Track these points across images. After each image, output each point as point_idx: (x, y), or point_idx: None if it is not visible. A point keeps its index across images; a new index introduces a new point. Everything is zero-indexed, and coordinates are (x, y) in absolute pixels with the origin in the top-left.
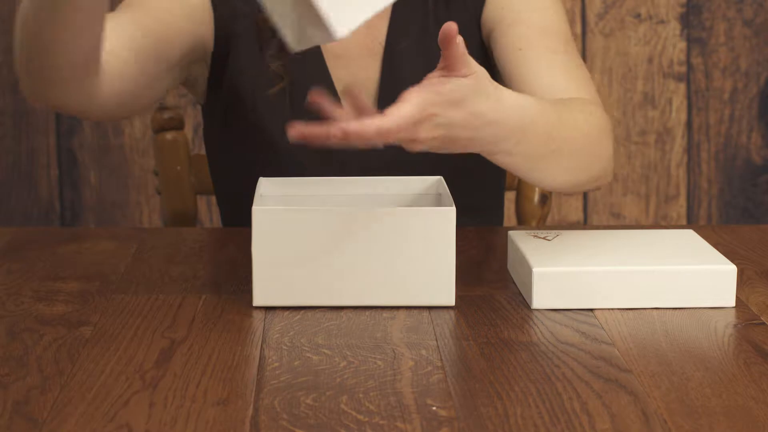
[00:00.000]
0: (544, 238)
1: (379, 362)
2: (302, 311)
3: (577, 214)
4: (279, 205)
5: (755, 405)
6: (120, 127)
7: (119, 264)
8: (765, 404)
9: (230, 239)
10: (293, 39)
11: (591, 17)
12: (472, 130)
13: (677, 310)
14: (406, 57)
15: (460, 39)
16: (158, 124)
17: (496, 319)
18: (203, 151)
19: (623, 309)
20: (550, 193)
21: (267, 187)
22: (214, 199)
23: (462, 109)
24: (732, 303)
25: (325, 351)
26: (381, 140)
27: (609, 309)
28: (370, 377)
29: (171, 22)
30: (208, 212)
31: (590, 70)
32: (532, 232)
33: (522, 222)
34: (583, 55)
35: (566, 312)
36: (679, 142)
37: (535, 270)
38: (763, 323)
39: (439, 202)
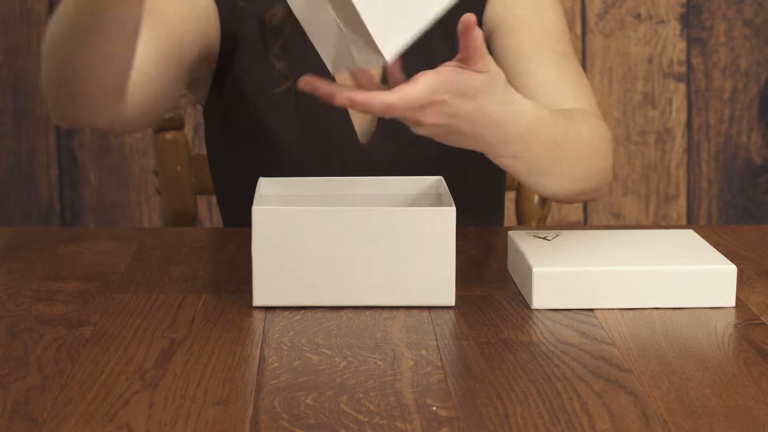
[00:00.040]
0: (544, 238)
1: (379, 362)
2: (302, 311)
3: (577, 214)
4: (279, 205)
5: (755, 405)
6: None
7: (119, 264)
8: (765, 404)
9: (230, 239)
10: (331, 61)
11: (591, 17)
12: (475, 126)
13: (677, 310)
14: (407, 57)
15: (478, 31)
16: (158, 124)
17: (496, 319)
18: (203, 151)
19: (623, 309)
20: None
21: (267, 187)
22: (214, 199)
23: (470, 103)
24: (732, 303)
25: (325, 351)
26: (385, 114)
27: (609, 309)
28: (370, 377)
29: (182, 27)
30: (208, 212)
31: (590, 70)
32: (532, 232)
33: (522, 222)
34: (583, 55)
35: (566, 312)
36: (679, 142)
37: (535, 270)
38: (763, 323)
39: (439, 202)
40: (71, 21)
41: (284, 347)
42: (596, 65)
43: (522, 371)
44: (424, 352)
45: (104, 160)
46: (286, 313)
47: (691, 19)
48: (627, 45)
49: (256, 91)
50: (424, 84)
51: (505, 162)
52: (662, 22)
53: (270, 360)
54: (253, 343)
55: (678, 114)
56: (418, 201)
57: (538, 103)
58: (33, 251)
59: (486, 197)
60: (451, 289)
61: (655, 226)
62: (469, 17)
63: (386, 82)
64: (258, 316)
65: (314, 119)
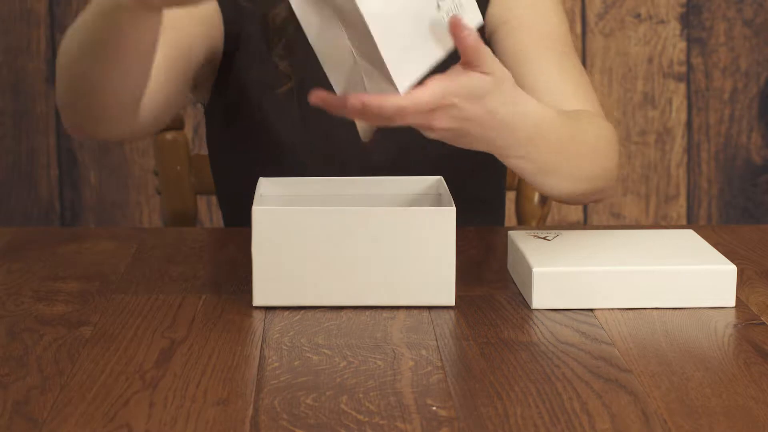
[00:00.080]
0: (544, 238)
1: (379, 362)
2: (302, 311)
3: (577, 214)
4: (279, 205)
5: (755, 405)
6: None
7: (119, 264)
8: (765, 404)
9: (230, 239)
10: (342, 90)
11: (591, 17)
12: (485, 129)
13: (677, 310)
14: None
15: (470, 31)
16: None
17: (496, 319)
18: (203, 151)
19: (623, 309)
20: None
21: (267, 187)
22: (214, 199)
23: (479, 105)
24: (732, 303)
25: (325, 351)
26: (396, 119)
27: (609, 309)
28: (370, 377)
29: (190, 31)
30: (208, 212)
31: (590, 70)
32: (532, 232)
33: (522, 222)
34: (583, 55)
35: (566, 312)
36: (679, 142)
37: (535, 270)
38: (763, 323)
39: (439, 202)
40: (89, 35)
41: (284, 347)
42: (596, 65)
43: (522, 371)
44: (424, 352)
45: (104, 160)
46: (286, 313)
47: (691, 19)
48: (627, 45)
49: (259, 91)
50: (434, 87)
51: (512, 162)
52: (662, 22)
53: (270, 360)
54: (253, 343)
55: (678, 114)
56: (418, 201)
57: (546, 105)
58: (33, 251)
59: (486, 197)
60: (451, 289)
61: (655, 226)
62: (454, 19)
63: None
64: (258, 316)
65: (317, 119)
